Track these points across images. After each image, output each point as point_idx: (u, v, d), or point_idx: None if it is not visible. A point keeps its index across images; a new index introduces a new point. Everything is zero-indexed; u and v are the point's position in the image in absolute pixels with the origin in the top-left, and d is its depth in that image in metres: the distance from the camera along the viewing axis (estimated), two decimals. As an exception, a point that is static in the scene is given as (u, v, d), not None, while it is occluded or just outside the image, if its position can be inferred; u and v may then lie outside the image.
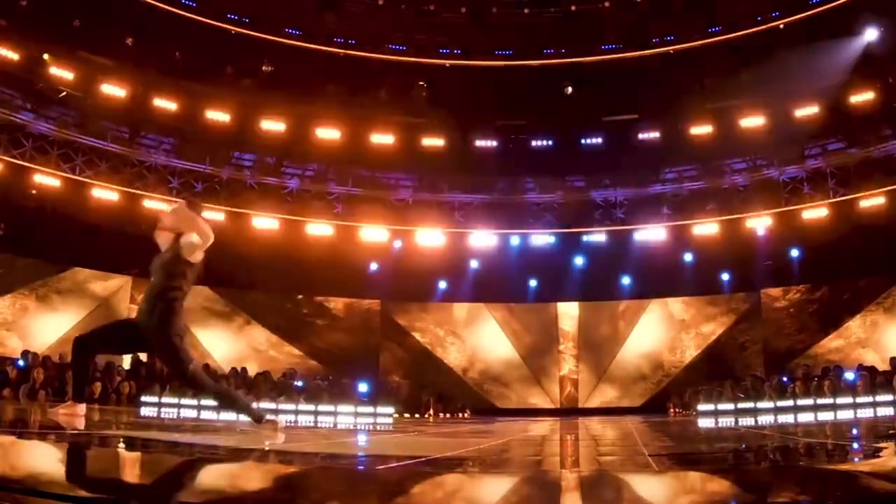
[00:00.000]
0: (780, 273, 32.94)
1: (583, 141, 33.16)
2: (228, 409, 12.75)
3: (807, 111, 30.24)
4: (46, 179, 29.13)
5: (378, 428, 18.99)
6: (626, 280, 34.40)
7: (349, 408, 26.54)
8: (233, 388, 25.56)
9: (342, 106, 32.01)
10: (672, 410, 29.55)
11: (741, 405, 26.07)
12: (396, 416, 26.75)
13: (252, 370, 29.37)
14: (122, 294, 30.33)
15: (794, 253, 32.77)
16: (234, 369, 28.60)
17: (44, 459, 6.44)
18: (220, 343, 31.63)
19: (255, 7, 30.82)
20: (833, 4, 27.81)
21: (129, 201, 30.90)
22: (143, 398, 23.45)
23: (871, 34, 27.96)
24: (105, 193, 30.40)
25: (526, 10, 31.43)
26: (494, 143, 33.56)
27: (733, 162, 33.87)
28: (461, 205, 34.99)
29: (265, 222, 32.96)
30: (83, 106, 29.86)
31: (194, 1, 29.80)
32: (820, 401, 24.22)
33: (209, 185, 32.65)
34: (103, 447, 8.49)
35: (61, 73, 28.96)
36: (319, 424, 19.91)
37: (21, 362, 23.70)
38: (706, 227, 32.90)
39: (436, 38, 32.02)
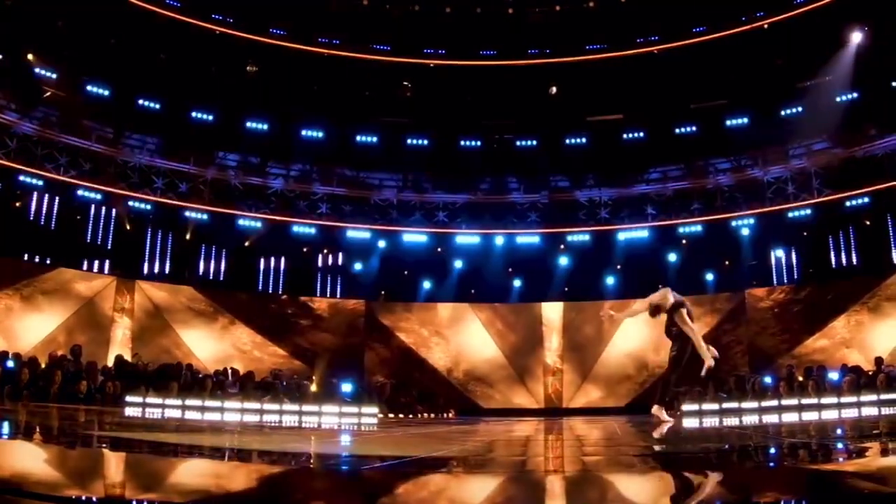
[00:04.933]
0: (765, 273, 33.06)
1: (567, 141, 33.29)
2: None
3: (792, 111, 30.45)
4: (30, 179, 29.08)
5: (362, 428, 18.97)
6: (610, 280, 34.47)
7: (333, 408, 26.53)
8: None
9: (326, 106, 32.03)
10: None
11: (725, 405, 26.15)
12: (381, 416, 26.73)
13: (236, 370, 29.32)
14: (106, 294, 30.18)
15: (779, 253, 32.90)
16: (217, 371, 28.58)
17: (31, 460, 6.43)
18: (204, 343, 31.47)
19: (240, 7, 30.73)
20: (817, 4, 27.88)
21: (114, 201, 30.91)
22: (128, 398, 23.39)
23: (856, 35, 28.06)
24: (89, 193, 30.38)
25: (510, 10, 31.42)
26: (479, 143, 33.66)
27: (718, 162, 33.97)
28: (445, 205, 35.00)
29: (250, 222, 32.94)
30: (67, 106, 29.78)
31: (178, 1, 29.74)
32: (804, 401, 24.30)
33: (193, 185, 32.58)
34: (89, 447, 8.47)
35: (45, 72, 28.93)
36: (304, 424, 19.89)
37: (11, 363, 23.58)
38: (691, 227, 33.01)
39: (420, 37, 32.00)
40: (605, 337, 33.55)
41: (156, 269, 33.28)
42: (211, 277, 34.26)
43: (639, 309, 13.92)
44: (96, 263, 32.04)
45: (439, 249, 34.58)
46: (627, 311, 14.48)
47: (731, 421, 20.15)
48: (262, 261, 34.90)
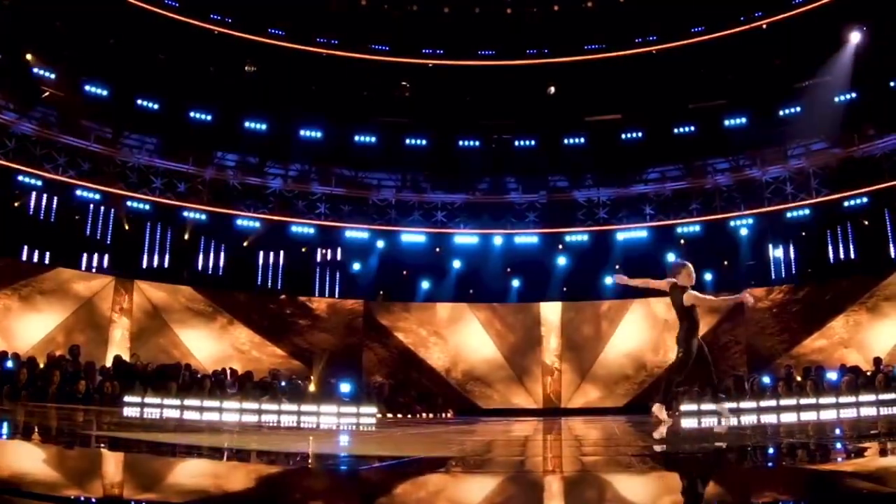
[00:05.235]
0: (763, 273, 33.02)
1: (566, 141, 33.27)
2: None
3: (790, 111, 30.46)
4: (29, 179, 29.09)
5: (361, 428, 18.96)
6: (608, 280, 34.35)
7: (332, 408, 26.51)
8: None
9: (325, 106, 32.01)
10: (655, 411, 29.42)
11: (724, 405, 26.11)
12: (379, 416, 26.71)
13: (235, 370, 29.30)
14: (104, 294, 30.13)
15: (777, 253, 32.86)
16: (215, 371, 28.58)
17: (30, 460, 6.43)
18: (202, 343, 31.41)
19: (238, 7, 30.70)
20: (816, 5, 27.88)
21: (113, 202, 30.93)
22: (126, 398, 23.37)
23: (854, 35, 28.07)
24: (88, 194, 30.40)
25: (509, 10, 31.39)
26: (477, 143, 33.65)
27: (716, 162, 33.94)
28: (444, 205, 34.98)
29: (248, 222, 32.93)
30: (66, 106, 29.76)
31: (177, 1, 29.72)
32: (803, 401, 24.29)
33: (192, 185, 32.56)
34: (87, 447, 8.47)
35: (44, 72, 28.91)
36: (303, 424, 19.88)
37: (9, 363, 23.57)
38: (689, 227, 32.99)
39: (419, 38, 31.98)
40: (603, 337, 33.52)
41: (154, 269, 33.21)
42: (210, 274, 34.15)
43: (658, 283, 13.32)
44: (95, 258, 32.00)
45: (438, 249, 34.52)
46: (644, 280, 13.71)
47: (730, 421, 20.11)
48: (261, 261, 34.86)
